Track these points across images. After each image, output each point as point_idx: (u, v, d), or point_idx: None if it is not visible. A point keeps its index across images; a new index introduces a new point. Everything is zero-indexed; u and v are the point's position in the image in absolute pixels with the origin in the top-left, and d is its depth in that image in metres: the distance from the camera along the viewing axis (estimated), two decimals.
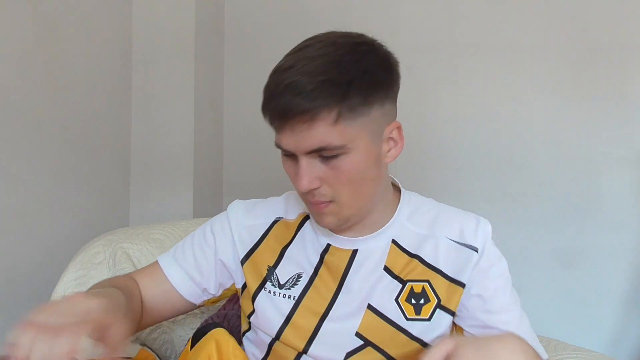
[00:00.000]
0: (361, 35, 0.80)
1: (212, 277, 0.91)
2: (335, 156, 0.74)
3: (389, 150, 0.82)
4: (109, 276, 1.10)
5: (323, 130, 0.72)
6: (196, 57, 1.75)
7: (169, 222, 1.28)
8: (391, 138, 0.81)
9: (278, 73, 0.75)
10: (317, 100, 0.71)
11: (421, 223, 0.86)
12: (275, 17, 1.85)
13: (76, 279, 1.09)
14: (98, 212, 1.62)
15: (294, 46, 0.79)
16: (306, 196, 0.78)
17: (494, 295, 0.82)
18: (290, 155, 0.77)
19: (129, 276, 0.91)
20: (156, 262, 0.93)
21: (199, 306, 0.95)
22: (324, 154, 0.74)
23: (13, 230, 1.33)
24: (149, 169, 1.79)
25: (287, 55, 0.77)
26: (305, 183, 0.75)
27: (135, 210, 1.79)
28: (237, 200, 0.96)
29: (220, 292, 0.94)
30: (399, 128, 0.82)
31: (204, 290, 0.92)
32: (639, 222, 1.55)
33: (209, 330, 0.82)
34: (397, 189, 0.91)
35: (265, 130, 0.84)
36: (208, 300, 0.95)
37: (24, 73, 1.33)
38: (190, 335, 0.84)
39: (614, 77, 1.56)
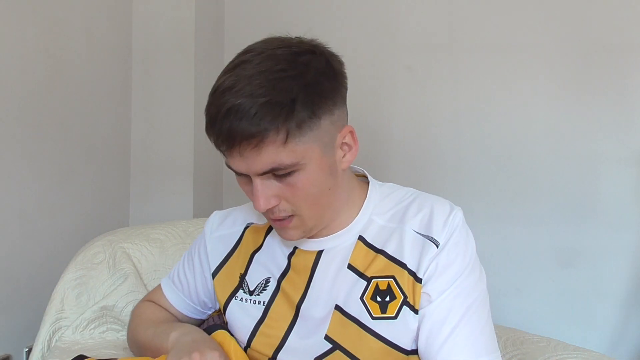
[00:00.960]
0: (300, 41, 0.77)
1: (206, 294, 0.93)
2: (289, 174, 0.72)
3: (343, 156, 0.79)
4: (109, 276, 1.10)
5: (273, 152, 0.70)
6: (196, 57, 1.75)
7: (169, 222, 1.28)
8: (344, 143, 0.78)
9: (218, 94, 0.71)
10: (262, 124, 0.68)
11: (388, 215, 0.83)
12: (275, 17, 1.84)
13: (76, 279, 1.09)
14: (98, 212, 1.62)
15: None
16: (266, 214, 0.77)
17: (451, 283, 0.77)
18: (244, 175, 0.75)
19: (153, 303, 0.97)
20: (160, 287, 0.98)
21: (208, 317, 0.98)
22: (277, 173, 0.72)
23: (13, 230, 1.33)
24: (149, 169, 1.79)
25: (224, 73, 0.74)
26: (262, 203, 0.73)
27: (135, 210, 1.79)
28: (215, 211, 0.98)
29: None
30: (351, 132, 0.79)
31: (205, 306, 0.95)
32: (639, 222, 1.55)
33: (212, 332, 0.84)
34: (367, 183, 0.87)
35: None
36: (215, 311, 0.98)
37: (24, 73, 1.33)
38: None
39: (614, 77, 1.56)
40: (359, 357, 0.77)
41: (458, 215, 0.80)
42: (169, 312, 0.96)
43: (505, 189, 1.66)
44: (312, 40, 0.78)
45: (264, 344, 0.82)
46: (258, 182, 0.73)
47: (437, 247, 0.78)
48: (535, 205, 1.64)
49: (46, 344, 1.06)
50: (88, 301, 1.08)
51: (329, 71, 0.75)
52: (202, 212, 1.80)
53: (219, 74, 0.76)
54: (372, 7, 1.75)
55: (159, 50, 1.75)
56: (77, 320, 1.06)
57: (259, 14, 1.87)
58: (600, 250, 1.58)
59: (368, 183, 0.87)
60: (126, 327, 1.07)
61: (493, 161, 1.67)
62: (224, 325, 0.89)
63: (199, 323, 0.98)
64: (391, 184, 0.88)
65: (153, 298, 0.98)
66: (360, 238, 0.82)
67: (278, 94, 0.69)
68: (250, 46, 0.77)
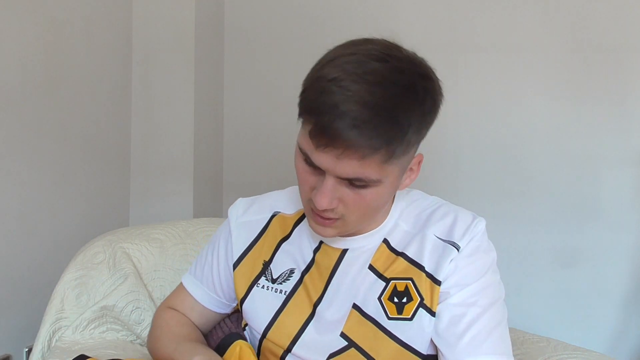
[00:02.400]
0: (422, 62, 0.74)
1: (231, 286, 0.91)
2: (364, 186, 0.71)
3: (405, 179, 0.79)
4: (109, 276, 1.10)
5: (368, 167, 0.68)
6: (196, 57, 1.75)
7: (169, 222, 1.27)
8: (411, 169, 0.79)
9: (332, 83, 0.67)
10: (375, 140, 0.66)
11: (412, 221, 0.84)
12: (276, 17, 1.84)
13: (76, 279, 1.09)
14: (98, 212, 1.62)
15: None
16: (315, 209, 0.75)
17: (465, 286, 0.78)
18: (312, 165, 0.72)
19: (176, 311, 0.95)
20: (182, 285, 0.96)
21: (234, 311, 0.97)
22: (357, 183, 0.71)
23: (14, 230, 1.33)
24: (149, 169, 1.79)
25: (338, 55, 0.70)
26: (327, 203, 0.71)
27: (135, 210, 1.79)
28: (239, 198, 0.96)
29: None
30: (420, 162, 0.79)
31: (230, 298, 0.94)
32: (639, 222, 1.55)
33: (230, 342, 0.86)
34: None
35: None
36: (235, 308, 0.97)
37: (24, 73, 1.33)
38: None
39: (614, 77, 1.56)
40: (373, 357, 0.79)
41: (481, 223, 0.82)
42: (192, 320, 0.94)
43: (505, 189, 1.66)
44: (423, 59, 0.75)
45: (280, 335, 0.83)
46: (331, 182, 0.71)
47: (458, 250, 0.79)
48: (535, 205, 1.64)
49: (46, 344, 1.06)
50: (88, 301, 1.08)
51: (438, 104, 0.74)
52: (202, 212, 1.80)
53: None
54: (372, 7, 1.75)
55: (159, 50, 1.75)
56: (77, 320, 1.06)
57: (259, 14, 1.87)
58: (600, 251, 1.58)
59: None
60: (126, 327, 1.07)
61: (493, 161, 1.67)
62: (242, 334, 0.89)
63: (228, 315, 0.97)
64: (418, 191, 0.90)
65: (176, 303, 0.96)
66: (385, 241, 0.83)
67: (400, 114, 0.67)
68: (369, 39, 0.73)
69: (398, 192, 0.86)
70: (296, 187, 0.93)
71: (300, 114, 0.72)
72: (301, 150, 0.73)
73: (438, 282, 0.79)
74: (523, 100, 1.64)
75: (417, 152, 0.78)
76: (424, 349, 0.79)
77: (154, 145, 1.78)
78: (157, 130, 1.78)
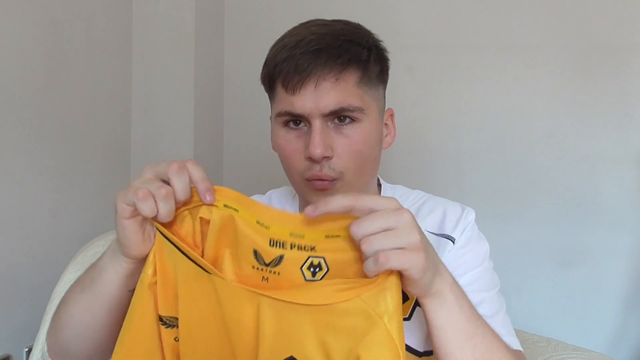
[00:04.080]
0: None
1: None
2: (350, 122, 0.73)
3: (386, 136, 0.82)
4: None
5: (346, 90, 0.71)
6: (196, 57, 1.75)
7: None
8: (386, 124, 0.82)
9: (289, 37, 0.74)
10: (344, 57, 0.70)
11: None
12: (276, 17, 1.84)
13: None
14: (98, 212, 1.62)
15: None
16: (312, 171, 0.74)
17: (462, 275, 0.77)
18: (294, 128, 0.75)
19: None
20: None
21: None
22: (343, 114, 0.72)
23: (13, 230, 1.33)
24: None
25: (289, 31, 0.77)
26: (321, 148, 0.71)
27: None
28: (256, 195, 0.97)
29: None
30: (392, 115, 0.83)
31: None
32: (639, 222, 1.55)
33: None
34: (379, 185, 0.89)
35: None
36: None
37: (24, 73, 1.33)
38: None
39: (614, 77, 1.56)
40: None
41: (471, 214, 0.83)
42: None
43: (505, 189, 1.66)
44: None
45: None
46: (318, 126, 0.72)
47: (454, 242, 0.79)
48: (535, 205, 1.63)
49: (46, 344, 1.06)
50: None
51: (387, 56, 0.81)
52: None
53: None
54: (372, 7, 1.75)
55: (159, 50, 1.75)
56: None
57: (259, 14, 1.87)
58: (600, 250, 1.58)
59: (380, 185, 0.88)
60: None
61: (493, 161, 1.67)
62: None
63: None
64: (400, 186, 0.90)
65: None
66: None
67: (359, 38, 0.74)
68: (302, 24, 0.81)
69: (384, 187, 0.87)
70: (274, 191, 0.93)
71: (269, 83, 0.76)
72: (279, 115, 0.75)
73: None
74: (523, 100, 1.64)
75: (386, 107, 0.82)
76: (421, 347, 0.79)
77: (154, 145, 1.78)
78: (157, 130, 1.78)
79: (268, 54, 0.78)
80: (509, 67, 1.65)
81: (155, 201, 0.61)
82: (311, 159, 0.73)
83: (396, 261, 0.53)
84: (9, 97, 1.29)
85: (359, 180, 0.77)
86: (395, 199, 0.57)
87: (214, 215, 0.61)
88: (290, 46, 0.73)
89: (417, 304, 0.77)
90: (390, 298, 0.55)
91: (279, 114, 0.75)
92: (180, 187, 0.61)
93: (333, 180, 0.75)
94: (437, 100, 1.71)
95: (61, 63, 1.45)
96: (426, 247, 0.56)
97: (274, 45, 0.78)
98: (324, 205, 0.56)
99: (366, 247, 0.54)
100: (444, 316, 0.60)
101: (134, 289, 0.66)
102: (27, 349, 1.36)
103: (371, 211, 0.55)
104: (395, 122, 0.86)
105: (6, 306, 1.32)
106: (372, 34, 0.80)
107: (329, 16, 0.85)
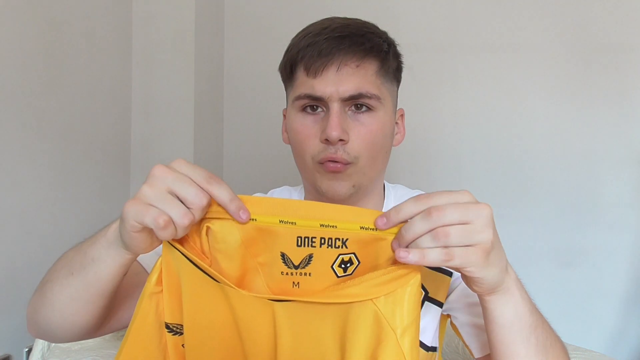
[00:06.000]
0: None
1: None
2: (367, 110, 0.75)
3: (396, 134, 0.83)
4: None
5: (365, 77, 0.73)
6: (196, 57, 1.75)
7: None
8: (397, 123, 0.83)
9: (313, 27, 0.77)
10: (366, 45, 0.73)
11: None
12: (276, 17, 1.84)
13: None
14: (98, 212, 1.62)
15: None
16: (327, 153, 0.74)
17: None
18: (311, 112, 0.76)
19: None
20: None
21: None
22: (361, 100, 0.74)
23: (13, 230, 1.33)
24: (149, 169, 1.78)
25: (311, 24, 0.80)
26: (339, 130, 0.72)
27: None
28: (272, 190, 0.97)
29: None
30: (402, 116, 0.84)
31: None
32: (639, 222, 1.55)
33: None
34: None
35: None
36: None
37: (24, 73, 1.33)
38: None
39: (614, 77, 1.56)
40: None
41: None
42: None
43: (505, 189, 1.66)
44: None
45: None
46: (336, 110, 0.74)
47: None
48: (535, 205, 1.64)
49: (46, 344, 1.06)
50: None
51: (400, 56, 0.84)
52: None
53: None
54: (372, 7, 1.75)
55: (159, 50, 1.75)
56: None
57: (259, 14, 1.87)
58: (600, 250, 1.58)
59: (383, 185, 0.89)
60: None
61: (493, 161, 1.67)
62: None
63: None
64: (400, 185, 0.91)
65: None
66: None
67: (379, 34, 0.78)
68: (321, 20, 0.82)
69: (386, 188, 0.87)
70: (285, 188, 0.93)
71: (290, 68, 0.77)
72: (298, 99, 0.76)
73: (448, 273, 0.78)
74: (523, 100, 1.64)
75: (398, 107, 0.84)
76: (429, 342, 0.79)
77: (154, 145, 1.78)
78: (157, 131, 1.78)
79: (290, 43, 0.80)
80: (509, 67, 1.65)
81: (175, 227, 0.56)
82: (327, 141, 0.74)
83: (459, 259, 0.52)
84: (9, 97, 1.29)
85: (371, 170, 0.78)
86: (469, 191, 0.55)
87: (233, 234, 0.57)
88: (314, 33, 0.75)
89: (425, 299, 0.78)
90: (407, 311, 0.53)
91: (298, 97, 0.76)
92: (199, 215, 0.56)
93: (347, 164, 0.75)
94: (437, 100, 1.71)
95: (61, 63, 1.45)
96: (495, 246, 0.55)
97: (295, 36, 0.80)
98: (395, 215, 0.53)
99: (430, 240, 0.51)
100: (510, 312, 0.59)
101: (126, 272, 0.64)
102: (27, 349, 1.36)
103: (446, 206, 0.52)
104: None
105: (6, 306, 1.32)
106: (388, 34, 0.83)
107: (329, 16, 0.86)
